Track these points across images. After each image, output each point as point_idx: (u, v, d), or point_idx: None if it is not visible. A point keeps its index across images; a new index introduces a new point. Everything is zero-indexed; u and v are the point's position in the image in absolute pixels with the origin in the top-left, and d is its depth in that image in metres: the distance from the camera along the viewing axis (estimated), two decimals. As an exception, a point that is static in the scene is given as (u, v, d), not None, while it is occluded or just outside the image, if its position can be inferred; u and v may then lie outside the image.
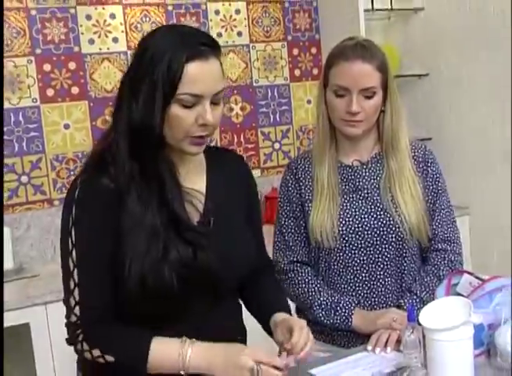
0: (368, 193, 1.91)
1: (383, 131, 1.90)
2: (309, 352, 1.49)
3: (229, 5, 3.59)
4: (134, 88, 1.42)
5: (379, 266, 1.90)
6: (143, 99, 1.40)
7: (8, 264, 2.93)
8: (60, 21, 3.18)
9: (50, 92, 3.19)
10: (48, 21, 3.16)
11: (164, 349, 1.40)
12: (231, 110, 3.63)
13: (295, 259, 1.94)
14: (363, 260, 1.89)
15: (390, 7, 3.74)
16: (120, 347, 1.41)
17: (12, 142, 3.12)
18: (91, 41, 3.25)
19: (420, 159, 1.96)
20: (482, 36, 3.38)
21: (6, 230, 2.97)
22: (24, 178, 3.15)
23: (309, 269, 1.95)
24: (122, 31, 3.31)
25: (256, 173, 3.69)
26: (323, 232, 1.86)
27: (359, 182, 1.92)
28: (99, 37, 3.26)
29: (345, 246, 1.88)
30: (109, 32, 3.28)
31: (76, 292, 1.43)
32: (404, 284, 1.93)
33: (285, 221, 1.96)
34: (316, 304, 1.89)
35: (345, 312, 1.86)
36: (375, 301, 1.91)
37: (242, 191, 1.66)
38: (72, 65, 3.22)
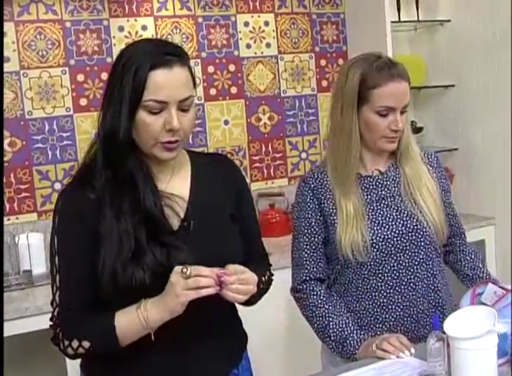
0: (391, 201, 1.95)
1: (400, 141, 1.96)
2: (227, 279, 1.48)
3: (258, 17, 3.65)
4: (107, 97, 1.52)
5: (409, 271, 1.93)
6: (113, 106, 1.49)
7: (40, 268, 3.00)
8: (94, 33, 3.27)
9: (83, 102, 3.27)
10: (82, 33, 3.25)
11: (127, 320, 1.49)
12: (259, 119, 3.68)
13: (308, 277, 1.96)
14: (393, 266, 1.92)
15: (416, 19, 3.77)
16: (91, 331, 1.51)
17: (46, 151, 3.20)
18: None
19: (435, 165, 2.05)
20: (508, 48, 3.40)
21: (39, 236, 3.05)
22: (57, 185, 3.23)
23: (321, 288, 1.96)
24: (153, 43, 3.38)
25: (283, 182, 3.75)
26: (355, 249, 1.88)
27: (381, 190, 1.97)
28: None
29: (376, 254, 1.91)
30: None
31: (57, 295, 1.55)
32: (434, 287, 1.96)
33: (300, 237, 1.98)
34: (326, 335, 1.91)
35: (351, 350, 1.86)
36: (406, 305, 1.93)
37: (228, 191, 1.70)
38: (104, 75, 3.29)
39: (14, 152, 3.13)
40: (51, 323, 1.58)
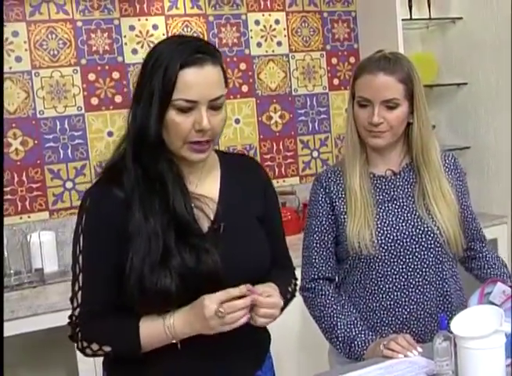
0: (403, 202, 1.94)
1: (411, 143, 1.93)
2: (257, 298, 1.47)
3: (269, 15, 3.65)
4: (137, 96, 1.50)
5: (417, 273, 1.91)
6: (142, 105, 1.47)
7: (52, 267, 3.02)
8: (105, 32, 3.28)
9: (94, 101, 3.28)
10: (93, 32, 3.26)
11: (152, 331, 1.48)
12: (270, 118, 3.68)
13: (316, 276, 1.96)
14: (402, 268, 1.91)
15: (428, 16, 3.75)
16: (114, 337, 1.51)
17: (57, 150, 3.22)
18: (135, 52, 3.34)
19: (452, 167, 2.02)
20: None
21: (51, 234, 3.07)
22: (69, 184, 3.25)
23: (330, 288, 1.95)
24: (164, 42, 3.40)
25: (295, 181, 3.75)
26: (362, 241, 1.87)
27: (394, 191, 1.95)
28: (142, 47, 3.35)
29: (384, 255, 1.90)
30: (152, 42, 3.34)
31: (79, 294, 1.53)
32: (444, 291, 1.94)
33: (311, 235, 1.98)
34: (333, 336, 1.90)
35: (358, 351, 1.85)
36: (413, 308, 1.92)
37: (256, 193, 1.67)
38: (116, 74, 3.32)
39: (26, 151, 3.15)
40: (69, 320, 1.56)
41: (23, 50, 3.13)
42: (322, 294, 1.94)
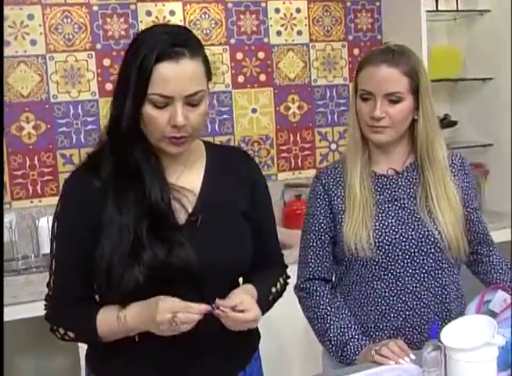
0: (404, 204, 1.86)
1: (416, 140, 1.85)
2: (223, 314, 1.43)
3: (290, 3, 3.56)
4: (117, 84, 1.47)
5: (415, 279, 1.83)
6: (119, 95, 1.44)
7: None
8: (121, 17, 3.24)
9: (109, 87, 3.24)
10: (109, 17, 3.22)
11: (107, 318, 1.48)
12: (288, 108, 3.61)
13: (312, 276, 1.90)
14: (400, 272, 1.83)
15: (455, 8, 3.64)
16: (76, 323, 1.53)
17: (70, 135, 3.20)
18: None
19: (459, 167, 1.92)
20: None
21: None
22: None
23: (325, 289, 1.89)
24: (182, 28, 3.35)
25: (311, 173, 3.67)
26: (358, 243, 1.80)
27: (395, 191, 1.87)
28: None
29: (381, 257, 1.82)
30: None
31: (52, 280, 1.56)
32: (443, 298, 1.86)
33: (308, 234, 1.91)
34: (326, 339, 1.84)
35: (351, 356, 1.78)
36: (409, 314, 1.84)
37: (243, 187, 1.62)
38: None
39: (39, 135, 3.14)
40: (45, 304, 1.59)
41: (38, 33, 3.11)
42: (316, 295, 1.88)
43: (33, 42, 3.10)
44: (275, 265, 1.72)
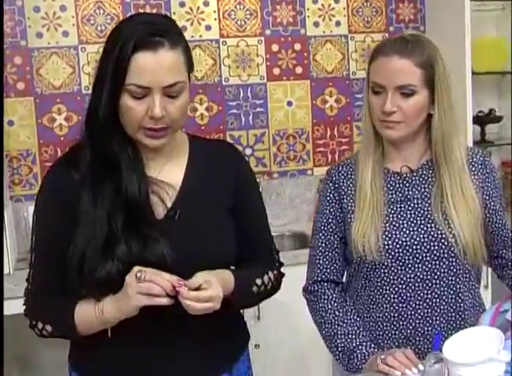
0: (418, 204, 1.74)
1: (432, 136, 1.73)
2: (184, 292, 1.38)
3: (328, -7, 3.47)
4: (95, 76, 1.43)
5: (426, 285, 1.72)
6: (97, 85, 1.41)
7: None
8: (153, 8, 3.20)
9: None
10: (142, 8, 3.19)
11: (85, 312, 1.45)
12: (325, 102, 3.51)
13: (320, 278, 1.81)
14: (410, 278, 1.72)
15: (504, -3, 3.47)
16: (54, 317, 1.49)
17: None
18: (183, 29, 3.23)
19: (480, 166, 1.78)
20: None
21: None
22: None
23: (333, 292, 1.80)
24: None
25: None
26: (366, 244, 1.70)
27: (408, 191, 1.76)
28: (192, 24, 3.25)
29: (390, 261, 1.72)
30: (203, 20, 3.25)
31: (30, 273, 1.54)
32: (456, 307, 1.74)
33: (317, 234, 1.82)
34: (333, 345, 1.75)
35: (357, 364, 1.69)
36: (419, 323, 1.73)
37: (228, 183, 1.57)
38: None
39: (70, 127, 3.14)
40: (24, 298, 1.56)
41: (71, 25, 3.10)
42: (324, 299, 1.79)
43: (65, 33, 3.10)
44: (266, 261, 1.65)
